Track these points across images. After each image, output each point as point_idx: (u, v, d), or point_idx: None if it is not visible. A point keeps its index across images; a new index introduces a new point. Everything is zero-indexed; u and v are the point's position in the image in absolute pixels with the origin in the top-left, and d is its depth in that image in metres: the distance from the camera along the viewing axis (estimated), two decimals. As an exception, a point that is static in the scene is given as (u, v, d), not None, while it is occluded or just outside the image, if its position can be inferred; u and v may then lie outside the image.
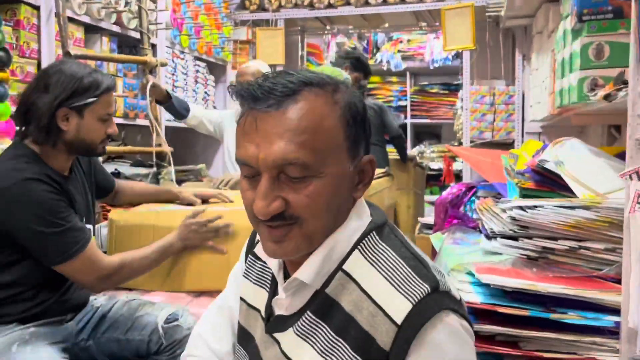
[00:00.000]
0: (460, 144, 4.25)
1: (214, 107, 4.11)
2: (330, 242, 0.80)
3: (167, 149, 2.77)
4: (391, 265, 0.78)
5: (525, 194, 1.50)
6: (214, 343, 1.00)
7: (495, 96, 3.80)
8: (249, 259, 0.98)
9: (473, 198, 2.06)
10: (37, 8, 2.40)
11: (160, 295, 1.89)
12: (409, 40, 6.76)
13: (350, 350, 0.75)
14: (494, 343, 1.14)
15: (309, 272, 0.80)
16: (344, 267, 0.80)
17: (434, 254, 1.89)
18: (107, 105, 1.63)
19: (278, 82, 0.76)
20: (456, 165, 4.63)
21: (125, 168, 2.80)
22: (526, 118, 3.67)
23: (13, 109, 2.16)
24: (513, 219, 1.28)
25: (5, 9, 2.30)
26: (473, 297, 1.16)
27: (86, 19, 2.70)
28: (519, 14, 3.29)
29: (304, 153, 0.74)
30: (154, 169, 2.81)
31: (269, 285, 0.91)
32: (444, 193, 2.09)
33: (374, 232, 0.82)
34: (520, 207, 1.30)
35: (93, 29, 2.81)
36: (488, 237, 1.44)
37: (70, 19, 2.49)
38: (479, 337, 1.13)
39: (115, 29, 2.93)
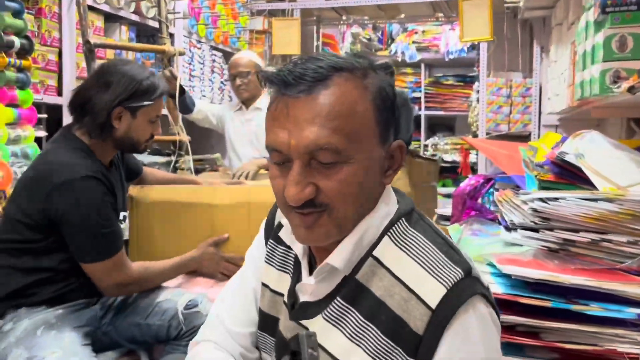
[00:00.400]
0: (475, 136, 4.23)
1: (230, 98, 4.12)
2: (361, 228, 0.81)
3: (185, 138, 2.80)
4: (423, 251, 0.79)
5: (544, 186, 1.50)
6: (231, 325, 0.99)
7: (512, 88, 3.77)
8: (269, 244, 0.98)
9: (491, 190, 2.06)
10: (58, -4, 2.43)
11: (180, 279, 1.92)
12: (424, 32, 6.72)
13: (380, 334, 0.76)
14: (514, 333, 1.14)
15: (341, 257, 0.80)
16: (374, 253, 0.81)
17: (451, 245, 1.89)
18: (158, 109, 1.72)
19: (308, 68, 0.76)
20: (471, 157, 4.62)
21: (144, 156, 2.82)
22: (543, 110, 3.64)
23: (35, 96, 2.19)
24: (534, 210, 1.28)
25: (27, -3, 2.33)
26: (494, 287, 1.16)
27: (106, 8, 2.72)
28: (538, 5, 3.26)
29: (336, 138, 0.74)
30: (172, 157, 2.84)
31: (292, 271, 0.91)
32: (462, 185, 2.09)
33: (403, 219, 0.83)
34: (542, 199, 1.30)
35: (112, 18, 2.84)
36: (508, 229, 1.44)
37: (91, 8, 2.51)
38: (501, 327, 1.14)
39: (134, 17, 2.95)
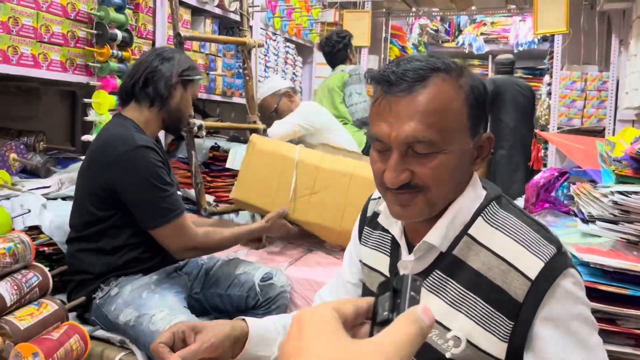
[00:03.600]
0: (544, 130, 4.16)
1: (300, 87, 4.25)
2: (454, 209, 0.91)
3: (260, 125, 2.94)
4: (517, 230, 0.88)
5: (622, 180, 1.52)
6: (347, 275, 1.15)
7: (587, 82, 3.69)
8: (365, 230, 1.10)
9: (565, 183, 2.08)
10: (153, -8, 2.61)
11: (257, 256, 2.07)
12: (492, 23, 6.61)
13: (482, 301, 0.86)
14: (591, 319, 1.19)
15: (437, 235, 0.90)
16: (469, 232, 0.90)
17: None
18: (199, 88, 1.94)
19: (409, 69, 0.85)
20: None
21: (223, 142, 2.99)
22: (619, 105, 3.55)
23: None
24: (615, 203, 1.32)
25: (126, -7, 2.52)
26: (573, 274, 1.21)
27: (193, 2, 2.89)
28: (618, -3, 3.19)
29: (432, 132, 0.83)
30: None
31: (389, 251, 1.02)
32: (536, 177, 2.12)
33: (494, 202, 0.92)
34: (622, 192, 1.33)
35: (198, 11, 3.00)
36: (585, 221, 1.48)
37: (180, 2, 2.68)
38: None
39: (217, 11, 3.11)
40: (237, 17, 3.06)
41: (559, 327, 0.82)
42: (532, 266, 0.83)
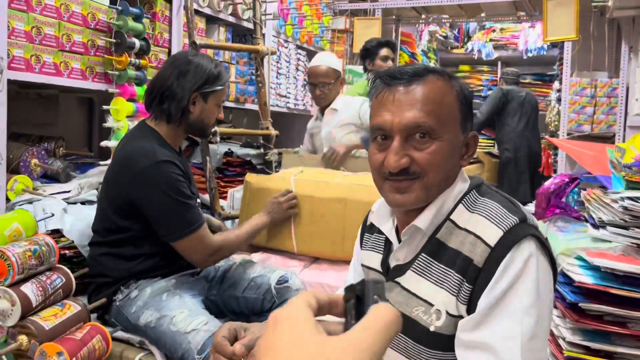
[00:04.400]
0: (553, 136, 4.19)
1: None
2: (441, 199, 1.00)
3: (273, 132, 2.99)
4: (488, 208, 0.97)
5: (632, 186, 1.54)
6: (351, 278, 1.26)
7: (596, 88, 3.71)
8: (364, 237, 1.19)
9: (575, 189, 2.10)
10: (169, 1, 2.68)
11: (275, 259, 2.12)
12: (502, 29, 6.63)
13: (455, 273, 0.95)
14: (602, 322, 1.22)
15: (425, 220, 0.99)
16: (451, 217, 0.99)
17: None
18: (224, 94, 1.91)
19: (409, 68, 1.00)
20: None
21: (236, 148, 3.05)
22: (629, 112, 3.56)
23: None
24: (625, 208, 1.35)
25: (143, 2, 2.59)
26: (584, 278, 1.24)
27: (208, 11, 2.95)
28: (628, 4, 3.21)
29: (430, 119, 0.95)
30: (262, 150, 3.04)
31: (382, 249, 1.11)
32: (546, 183, 2.14)
33: (474, 190, 1.02)
34: (632, 198, 1.36)
35: (213, 20, 3.06)
36: (595, 226, 1.51)
37: (195, 11, 2.74)
38: (588, 315, 1.23)
39: (231, 19, 3.17)
40: (250, 25, 3.12)
41: (501, 289, 0.88)
42: (493, 235, 0.92)
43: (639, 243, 1.33)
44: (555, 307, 1.30)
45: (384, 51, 3.37)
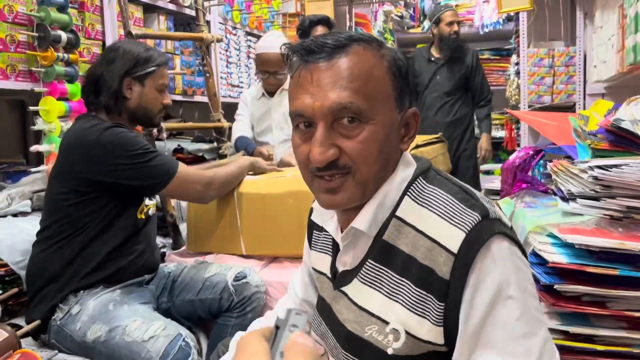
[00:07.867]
0: (514, 109, 4.13)
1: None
2: (382, 192, 0.85)
3: (225, 124, 2.83)
4: (441, 202, 0.81)
5: (598, 154, 1.45)
6: (298, 290, 1.14)
7: (554, 58, 3.66)
8: (314, 234, 1.05)
9: (541, 162, 2.02)
10: (99, -10, 2.47)
11: (232, 259, 1.97)
12: (457, 6, 6.56)
13: (413, 286, 0.79)
14: (580, 303, 1.12)
15: (364, 220, 0.84)
16: (397, 213, 0.84)
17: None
18: (163, 76, 1.82)
19: (329, 38, 0.82)
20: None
21: (187, 144, 2.88)
22: (588, 79, 3.52)
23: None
24: (595, 178, 1.25)
25: (69, -9, 2.37)
26: (557, 257, 1.14)
27: (144, -2, 2.75)
28: (580, -31, 3.15)
29: (357, 98, 0.78)
30: (215, 144, 2.87)
31: (331, 251, 0.97)
32: (510, 158, 2.05)
33: (420, 178, 0.87)
34: (602, 167, 1.26)
35: (151, 8, 2.87)
36: (565, 199, 1.41)
37: (130, -1, 2.54)
38: (565, 297, 1.12)
39: (171, 7, 2.97)
40: (193, 13, 2.93)
41: (483, 299, 0.74)
42: (454, 238, 0.76)
43: (612, 214, 1.24)
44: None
45: (318, 29, 3.06)
